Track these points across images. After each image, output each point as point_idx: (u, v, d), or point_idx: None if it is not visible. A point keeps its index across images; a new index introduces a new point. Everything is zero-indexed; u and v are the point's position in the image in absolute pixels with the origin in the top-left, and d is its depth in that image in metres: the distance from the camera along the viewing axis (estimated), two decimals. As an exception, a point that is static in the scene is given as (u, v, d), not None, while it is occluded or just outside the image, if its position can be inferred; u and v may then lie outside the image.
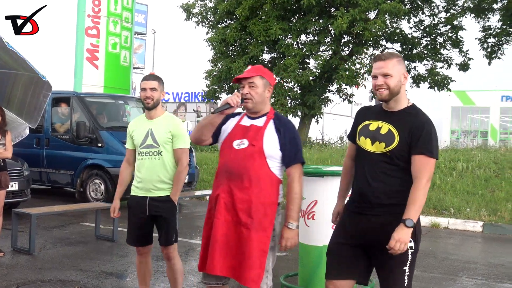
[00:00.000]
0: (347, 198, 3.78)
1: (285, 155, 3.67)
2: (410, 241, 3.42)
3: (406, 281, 3.43)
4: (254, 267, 3.49)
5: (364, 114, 3.67)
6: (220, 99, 23.04)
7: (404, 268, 3.42)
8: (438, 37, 22.10)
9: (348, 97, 22.20)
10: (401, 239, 3.26)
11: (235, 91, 3.83)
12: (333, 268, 3.59)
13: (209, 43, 22.12)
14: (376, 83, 3.45)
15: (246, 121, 3.76)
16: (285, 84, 20.74)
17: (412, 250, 3.43)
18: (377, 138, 3.46)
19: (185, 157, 4.62)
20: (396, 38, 21.31)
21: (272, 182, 3.66)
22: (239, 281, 3.54)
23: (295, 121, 22.21)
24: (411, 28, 22.50)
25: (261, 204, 3.59)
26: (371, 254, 3.51)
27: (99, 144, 11.52)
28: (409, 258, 3.42)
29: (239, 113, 3.86)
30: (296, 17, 21.15)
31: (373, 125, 3.52)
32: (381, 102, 3.58)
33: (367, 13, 19.40)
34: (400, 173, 3.42)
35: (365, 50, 20.82)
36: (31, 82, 7.60)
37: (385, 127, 3.46)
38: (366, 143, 3.50)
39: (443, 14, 22.20)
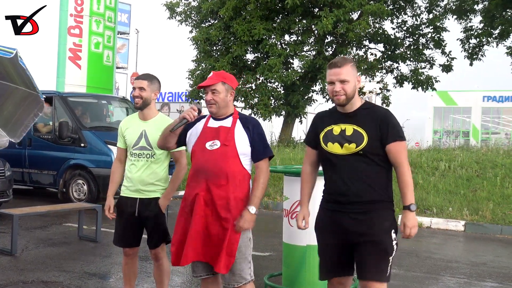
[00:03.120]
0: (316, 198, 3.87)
1: (254, 150, 3.89)
2: (394, 233, 3.58)
3: (388, 270, 3.56)
4: (225, 254, 3.74)
5: (321, 121, 3.77)
6: (203, 99, 22.96)
7: (389, 258, 3.55)
8: (421, 37, 22.27)
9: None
10: (414, 224, 3.52)
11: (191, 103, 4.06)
12: (329, 269, 3.73)
13: (193, 42, 22.09)
14: (334, 89, 3.58)
15: (214, 123, 3.96)
16: (268, 84, 20.76)
17: (396, 241, 3.58)
18: (345, 140, 3.56)
19: (183, 158, 4.59)
20: (379, 38, 21.43)
21: (245, 178, 3.87)
22: (214, 267, 3.80)
23: (279, 120, 22.26)
24: (394, 28, 22.65)
25: (235, 199, 3.79)
26: (356, 246, 3.58)
27: (82, 144, 11.45)
28: (394, 249, 3.57)
29: (204, 116, 4.03)
30: (280, 17, 21.17)
31: (335, 129, 3.63)
32: (335, 105, 3.74)
33: (350, 14, 19.48)
34: (374, 168, 3.55)
35: (349, 50, 20.91)
36: (26, 99, 7.60)
37: (348, 129, 3.58)
38: (334, 148, 3.60)
39: (425, 15, 22.39)
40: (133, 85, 4.60)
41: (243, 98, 20.41)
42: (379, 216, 3.53)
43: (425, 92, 22.36)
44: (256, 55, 21.84)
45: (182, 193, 11.68)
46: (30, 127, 7.93)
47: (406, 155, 3.56)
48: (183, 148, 4.59)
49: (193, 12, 23.05)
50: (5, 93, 7.72)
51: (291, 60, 21.31)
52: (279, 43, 20.82)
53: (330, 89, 3.61)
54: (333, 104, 3.78)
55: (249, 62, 21.74)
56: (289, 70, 20.23)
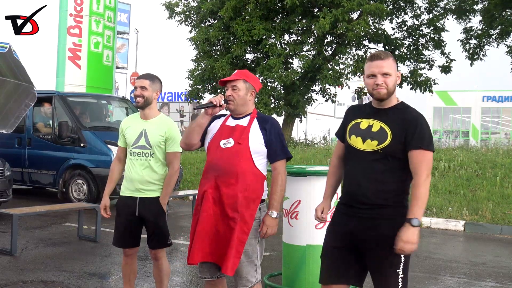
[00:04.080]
0: (335, 200, 3.74)
1: (271, 151, 3.86)
2: None
3: (400, 284, 3.36)
4: (232, 256, 3.68)
5: (353, 113, 3.64)
6: (203, 99, 23.00)
7: (398, 270, 3.35)
8: (420, 38, 22.26)
9: (331, 97, 22.27)
10: (409, 240, 3.21)
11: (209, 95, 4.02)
12: (328, 273, 3.57)
13: (192, 42, 22.08)
14: (376, 82, 3.40)
15: (231, 122, 3.93)
16: (268, 84, 20.76)
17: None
18: (369, 136, 3.42)
19: (177, 161, 4.57)
20: (378, 38, 21.42)
21: (257, 178, 3.82)
22: (221, 268, 3.74)
23: (279, 120, 22.28)
24: (393, 29, 22.64)
25: (245, 199, 3.75)
26: (365, 257, 3.46)
27: (82, 144, 11.45)
28: (402, 261, 3.36)
29: (224, 115, 4.01)
30: (279, 17, 21.17)
31: (364, 123, 3.49)
32: (370, 101, 3.58)
33: (349, 14, 19.47)
34: (391, 172, 3.38)
35: (348, 50, 20.91)
36: (16, 90, 7.58)
37: (376, 125, 3.43)
38: (357, 142, 3.46)
39: (425, 16, 22.38)
40: (134, 85, 4.60)
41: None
42: (387, 225, 3.33)
43: (423, 93, 22.36)
44: (255, 55, 21.83)
45: (182, 193, 11.69)
46: (21, 118, 7.91)
47: (428, 167, 3.32)
48: (180, 150, 4.60)
49: (192, 12, 23.05)
50: None
51: (291, 60, 21.31)
52: (278, 43, 20.81)
53: (371, 82, 3.42)
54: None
55: (248, 62, 21.73)
56: (289, 70, 20.22)
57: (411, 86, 21.82)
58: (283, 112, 21.01)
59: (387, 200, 3.35)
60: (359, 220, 3.41)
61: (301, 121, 22.42)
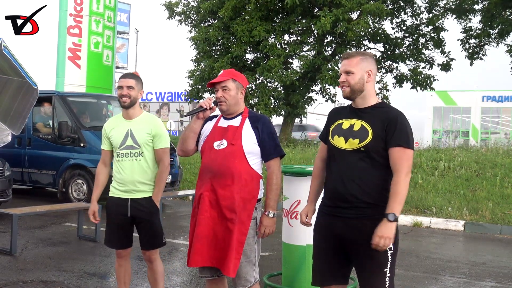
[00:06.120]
0: (320, 200, 3.74)
1: (264, 149, 3.86)
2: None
3: (387, 282, 3.41)
4: (233, 257, 3.69)
5: (336, 114, 3.68)
6: (203, 99, 22.97)
7: (385, 270, 3.40)
8: (420, 37, 22.28)
9: (331, 97, 22.29)
10: (384, 235, 3.25)
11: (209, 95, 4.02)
12: (320, 275, 3.61)
13: (192, 42, 22.10)
14: (339, 80, 3.53)
15: (223, 123, 3.94)
16: (268, 84, 20.77)
17: (392, 251, 3.41)
18: (351, 135, 3.46)
19: (167, 157, 4.54)
20: (378, 38, 21.45)
21: (253, 178, 3.82)
22: (222, 270, 3.76)
23: (279, 120, 22.30)
24: (393, 28, 22.67)
25: (242, 199, 3.75)
26: (352, 256, 3.49)
27: (82, 144, 11.45)
28: (389, 260, 3.41)
29: (215, 116, 4.02)
30: (279, 17, 21.17)
31: (346, 123, 3.54)
32: (350, 101, 3.63)
33: (349, 13, 19.49)
34: (373, 170, 3.41)
35: (348, 50, 20.93)
36: (20, 89, 7.55)
37: (357, 124, 3.48)
38: (339, 142, 3.50)
39: (425, 15, 22.41)
40: (118, 84, 4.50)
41: (243, 98, 20.41)
42: (373, 224, 3.33)
43: (423, 91, 22.39)
44: (255, 55, 21.85)
45: (182, 193, 11.69)
46: (27, 120, 7.92)
47: (408, 165, 3.35)
48: (169, 145, 4.59)
49: (192, 12, 23.07)
50: None
51: (291, 60, 21.31)
52: (278, 43, 20.81)
53: (339, 81, 3.56)
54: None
55: (248, 62, 21.74)
56: (289, 71, 20.24)
57: (412, 85, 21.86)
58: (283, 112, 21.02)
59: (371, 198, 3.39)
60: (344, 221, 3.42)
61: (301, 121, 22.45)
